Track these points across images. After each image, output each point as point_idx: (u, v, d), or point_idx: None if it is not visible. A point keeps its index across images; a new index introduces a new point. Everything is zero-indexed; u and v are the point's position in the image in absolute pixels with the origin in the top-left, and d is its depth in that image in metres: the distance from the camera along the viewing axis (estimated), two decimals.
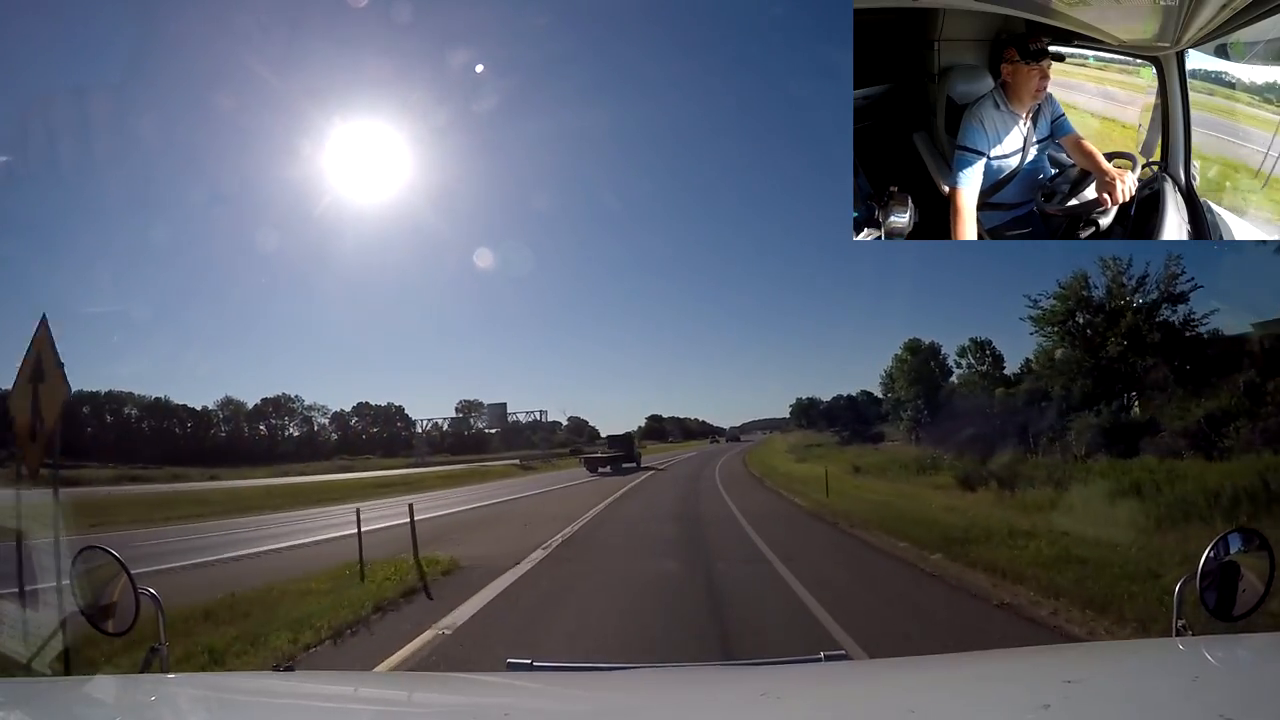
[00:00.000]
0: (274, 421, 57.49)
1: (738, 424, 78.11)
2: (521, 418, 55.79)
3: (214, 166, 47.98)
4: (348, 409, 59.75)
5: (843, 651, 1.75)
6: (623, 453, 33.20)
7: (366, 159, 41.68)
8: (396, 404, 59.48)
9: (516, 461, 45.46)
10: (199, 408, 54.52)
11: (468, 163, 51.70)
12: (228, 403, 55.51)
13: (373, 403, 59.49)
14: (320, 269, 63.96)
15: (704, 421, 79.37)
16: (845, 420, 39.61)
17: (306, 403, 58.32)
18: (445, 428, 56.55)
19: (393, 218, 53.52)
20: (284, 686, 1.54)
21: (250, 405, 56.33)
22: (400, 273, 71.97)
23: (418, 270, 69.58)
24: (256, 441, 54.23)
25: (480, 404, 56.46)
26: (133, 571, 1.62)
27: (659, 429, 75.19)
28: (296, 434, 57.96)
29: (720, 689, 1.54)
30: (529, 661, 1.65)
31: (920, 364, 31.43)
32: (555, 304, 79.45)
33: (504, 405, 55.99)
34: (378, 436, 53.76)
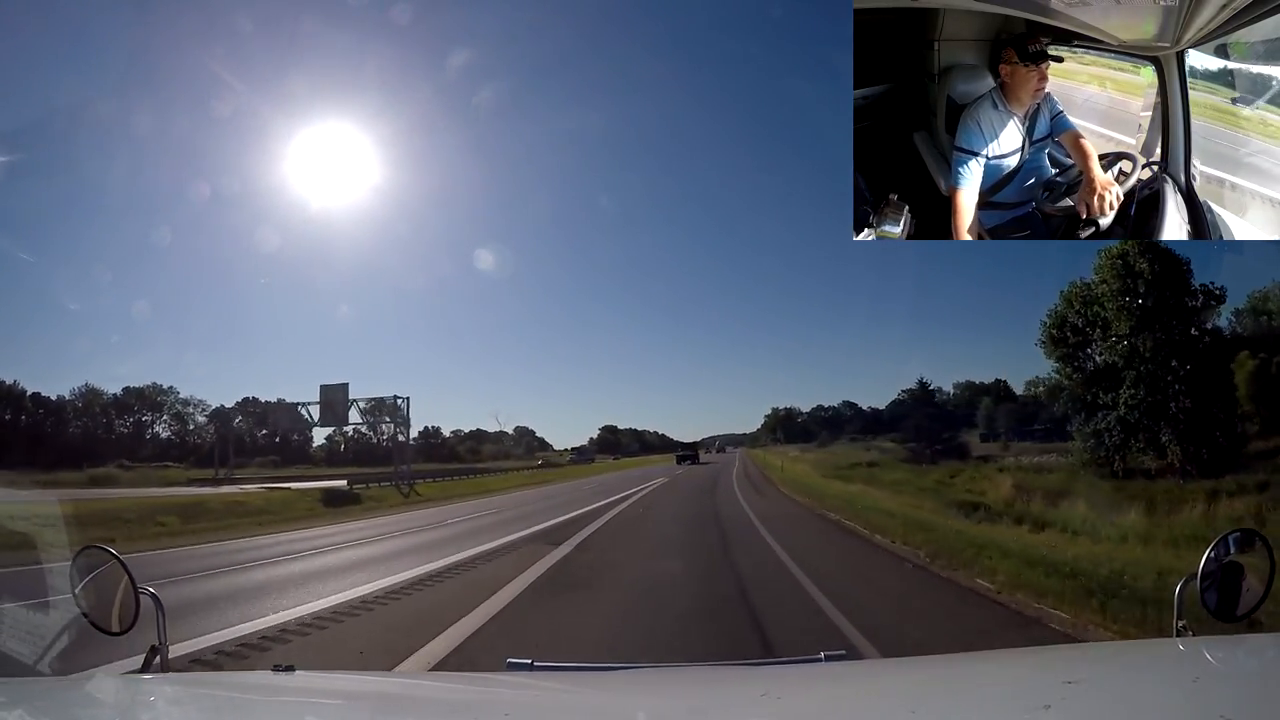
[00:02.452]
0: (142, 416, 47.55)
1: (698, 438, 74.57)
2: (363, 404, 36.78)
3: (199, 163, 46.17)
4: (229, 404, 45.08)
5: (843, 651, 1.74)
6: (693, 454, 55.76)
7: (329, 157, 40.99)
8: (289, 400, 43.92)
9: (344, 482, 27.94)
10: (54, 397, 43.94)
11: (439, 165, 50.89)
12: (86, 391, 45.06)
13: (261, 398, 44.00)
14: (273, 261, 58.32)
15: (663, 435, 72.37)
16: (924, 428, 30.69)
17: (180, 395, 47.40)
18: (259, 416, 39.12)
19: (355, 216, 50.96)
20: (284, 686, 1.54)
21: (109, 395, 45.76)
22: (346, 269, 66.98)
23: (369, 267, 63.77)
24: (116, 440, 44.29)
25: (391, 402, 36.16)
26: None
27: (614, 440, 68.37)
28: (165, 433, 47.72)
29: (720, 689, 1.54)
30: (529, 661, 1.65)
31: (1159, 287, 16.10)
32: (510, 307, 74.37)
33: (345, 386, 35.60)
34: (267, 439, 42.67)
